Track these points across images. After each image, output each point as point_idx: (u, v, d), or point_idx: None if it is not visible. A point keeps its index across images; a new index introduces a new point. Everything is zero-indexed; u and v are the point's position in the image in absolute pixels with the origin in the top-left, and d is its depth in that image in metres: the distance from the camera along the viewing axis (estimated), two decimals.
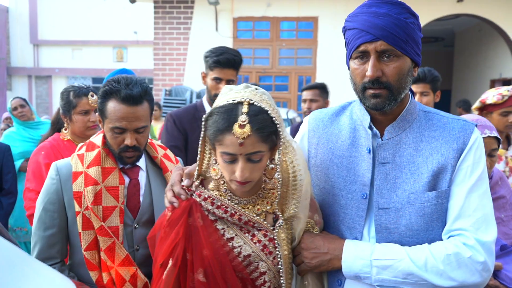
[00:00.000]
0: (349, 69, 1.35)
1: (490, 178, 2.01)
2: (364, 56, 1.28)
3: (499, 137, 1.95)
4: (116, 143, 1.58)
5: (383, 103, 1.28)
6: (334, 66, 8.10)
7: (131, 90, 1.53)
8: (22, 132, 4.04)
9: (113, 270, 1.54)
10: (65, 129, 2.43)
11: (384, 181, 1.31)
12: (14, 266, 0.65)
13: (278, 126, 1.19)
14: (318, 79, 8.02)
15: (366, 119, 1.36)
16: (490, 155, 1.93)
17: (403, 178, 1.30)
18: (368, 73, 1.25)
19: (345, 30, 1.35)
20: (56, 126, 2.56)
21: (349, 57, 1.33)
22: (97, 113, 1.64)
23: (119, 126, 1.54)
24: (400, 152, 1.32)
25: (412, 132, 1.33)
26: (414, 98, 1.40)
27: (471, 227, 1.23)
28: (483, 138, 1.87)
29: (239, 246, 1.25)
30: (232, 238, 1.26)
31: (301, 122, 3.96)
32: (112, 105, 1.53)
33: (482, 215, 1.25)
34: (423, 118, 1.35)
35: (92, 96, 2.34)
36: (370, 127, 1.36)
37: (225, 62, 2.46)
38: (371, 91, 1.27)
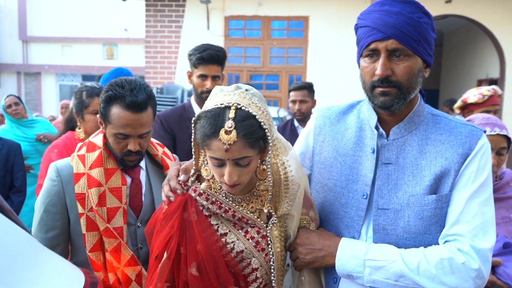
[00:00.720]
0: (359, 67, 1.33)
1: (501, 178, 1.99)
2: (374, 54, 1.26)
3: (509, 136, 1.93)
4: (119, 148, 1.56)
5: (392, 101, 1.26)
6: (324, 65, 8.16)
7: (136, 97, 1.49)
8: (16, 130, 4.01)
9: (119, 270, 1.53)
10: (79, 128, 2.43)
11: (385, 182, 1.30)
12: (24, 251, 0.67)
13: (266, 130, 1.17)
14: (309, 78, 8.07)
15: (373, 118, 1.34)
16: (499, 153, 1.92)
17: (405, 180, 1.28)
18: (378, 71, 1.23)
19: (356, 27, 1.32)
20: (69, 125, 2.56)
21: (360, 55, 1.31)
22: (98, 115, 1.60)
23: (123, 132, 1.52)
24: (404, 154, 1.30)
25: (418, 135, 1.31)
26: (424, 100, 1.39)
27: (468, 233, 1.21)
28: (493, 135, 1.88)
29: (232, 242, 1.26)
30: (225, 234, 1.27)
31: (289, 120, 3.96)
32: (117, 112, 1.50)
33: (481, 222, 1.22)
34: (431, 121, 1.33)
35: None
36: (376, 127, 1.34)
37: (208, 58, 2.44)
38: (380, 89, 1.26)
